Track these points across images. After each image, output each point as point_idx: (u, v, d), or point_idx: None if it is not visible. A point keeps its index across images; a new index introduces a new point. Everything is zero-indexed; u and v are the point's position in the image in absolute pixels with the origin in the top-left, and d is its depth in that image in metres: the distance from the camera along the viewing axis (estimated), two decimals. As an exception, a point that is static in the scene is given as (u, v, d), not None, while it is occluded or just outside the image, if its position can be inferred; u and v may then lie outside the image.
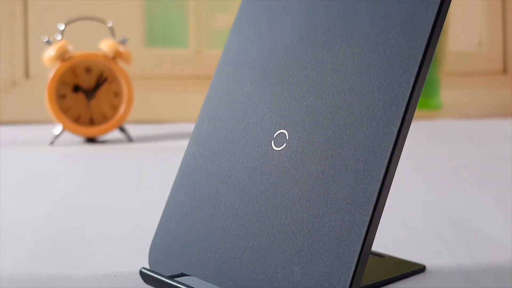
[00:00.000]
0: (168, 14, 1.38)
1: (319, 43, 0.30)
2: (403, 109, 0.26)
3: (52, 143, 0.92)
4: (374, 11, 0.28)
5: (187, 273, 0.31)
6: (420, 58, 0.26)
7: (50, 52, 0.93)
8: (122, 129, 0.96)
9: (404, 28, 0.27)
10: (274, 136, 0.30)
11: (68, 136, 0.99)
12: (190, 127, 1.06)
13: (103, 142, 0.96)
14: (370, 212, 0.25)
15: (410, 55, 0.26)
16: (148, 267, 0.33)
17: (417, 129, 0.98)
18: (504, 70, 1.36)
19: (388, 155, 0.26)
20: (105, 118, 0.97)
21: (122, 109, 0.95)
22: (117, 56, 0.94)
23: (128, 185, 0.63)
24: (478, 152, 0.81)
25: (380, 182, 0.25)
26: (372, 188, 0.25)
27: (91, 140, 0.96)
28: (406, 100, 0.26)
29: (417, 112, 1.19)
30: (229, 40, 0.35)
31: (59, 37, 0.95)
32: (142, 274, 0.31)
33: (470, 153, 0.80)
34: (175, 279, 0.30)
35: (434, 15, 0.26)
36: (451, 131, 1.07)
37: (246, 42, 0.34)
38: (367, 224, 0.25)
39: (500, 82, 1.35)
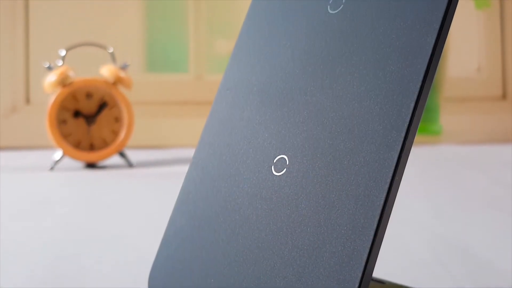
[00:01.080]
0: (169, 39, 1.39)
1: (319, 69, 0.30)
2: (403, 134, 0.26)
3: (52, 168, 0.92)
4: (374, 37, 0.28)
5: (187, 300, 0.31)
6: (419, 84, 0.26)
7: (51, 78, 0.93)
8: (122, 155, 0.96)
9: (403, 54, 0.27)
10: (274, 161, 0.30)
11: (68, 161, 0.99)
12: (190, 152, 1.05)
13: (103, 167, 0.96)
14: (371, 238, 0.25)
15: (410, 80, 0.26)
16: (147, 293, 0.33)
17: (418, 154, 0.98)
18: (504, 96, 1.37)
19: (389, 180, 0.26)
20: (105, 144, 0.97)
21: (122, 134, 0.95)
22: (117, 81, 0.95)
23: (128, 210, 0.63)
24: (478, 177, 0.81)
25: (380, 208, 0.25)
26: (373, 213, 0.25)
27: (91, 165, 0.96)
28: (406, 125, 0.26)
29: (417, 138, 1.19)
30: (229, 65, 0.35)
31: (60, 63, 0.96)
32: (141, 300, 0.31)
33: (470, 179, 0.80)
34: (175, 305, 0.30)
35: (433, 40, 0.26)
36: (451, 156, 1.07)
37: (246, 68, 0.34)
38: (368, 250, 0.25)
39: (499, 107, 1.35)
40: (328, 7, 0.31)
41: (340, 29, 0.30)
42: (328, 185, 0.27)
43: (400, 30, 0.28)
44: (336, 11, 0.31)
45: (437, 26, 0.26)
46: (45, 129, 0.94)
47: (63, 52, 0.96)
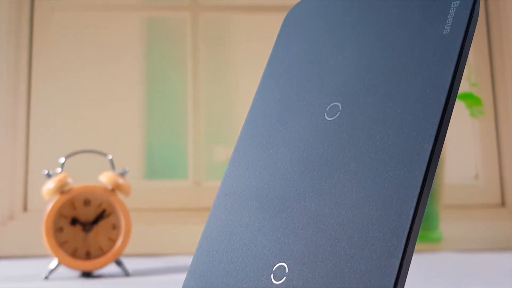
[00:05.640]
0: (168, 146, 1.41)
1: (317, 175, 0.30)
2: (403, 242, 0.26)
3: (46, 277, 0.91)
4: (371, 143, 0.29)
5: None
6: (418, 190, 0.26)
7: (49, 185, 0.93)
8: (118, 263, 0.94)
9: (401, 161, 0.27)
10: (274, 269, 0.29)
11: (64, 270, 0.97)
12: (188, 260, 1.04)
13: (99, 276, 0.94)
14: None
15: (408, 187, 0.26)
16: None
17: (418, 262, 0.97)
18: (503, 203, 1.37)
19: (391, 289, 0.25)
20: (102, 251, 0.95)
21: (119, 242, 0.94)
22: (116, 188, 0.95)
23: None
24: (479, 285, 0.79)
25: (383, 318, 0.25)
26: (375, 323, 0.25)
27: (87, 274, 0.95)
28: (407, 232, 0.26)
29: (418, 245, 1.18)
30: (228, 171, 0.35)
31: (59, 170, 0.96)
32: None
33: (471, 287, 0.78)
34: None
35: (430, 147, 0.27)
36: (452, 264, 1.06)
37: (244, 174, 0.34)
38: None
39: (498, 215, 1.35)
40: (325, 114, 0.31)
41: (337, 136, 0.30)
42: (328, 294, 0.27)
43: (397, 137, 0.28)
44: (333, 118, 0.31)
45: (433, 133, 0.27)
46: (41, 237, 0.93)
47: (62, 160, 0.97)
